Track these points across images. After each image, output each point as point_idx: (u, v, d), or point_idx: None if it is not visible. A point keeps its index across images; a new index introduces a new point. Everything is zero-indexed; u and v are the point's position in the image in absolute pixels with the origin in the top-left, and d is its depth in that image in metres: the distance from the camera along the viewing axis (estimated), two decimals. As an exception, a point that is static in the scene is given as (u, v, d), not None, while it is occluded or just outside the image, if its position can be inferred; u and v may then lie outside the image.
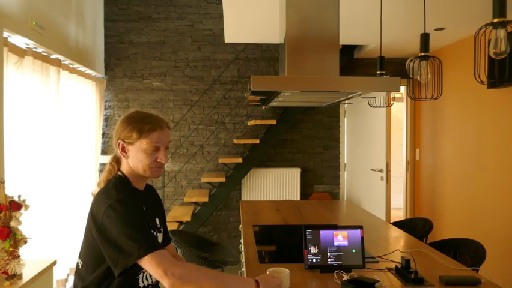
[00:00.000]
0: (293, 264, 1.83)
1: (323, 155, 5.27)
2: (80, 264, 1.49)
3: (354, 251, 1.78)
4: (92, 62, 4.55)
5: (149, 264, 1.32)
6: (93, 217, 1.41)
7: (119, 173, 1.52)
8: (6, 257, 2.19)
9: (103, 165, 4.97)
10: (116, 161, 1.55)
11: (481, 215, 3.87)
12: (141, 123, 1.47)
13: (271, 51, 5.13)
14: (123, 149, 1.48)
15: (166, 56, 5.06)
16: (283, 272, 1.56)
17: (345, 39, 4.29)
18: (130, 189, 1.50)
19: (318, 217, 2.94)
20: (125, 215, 1.35)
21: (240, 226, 2.75)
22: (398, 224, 3.00)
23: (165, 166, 5.02)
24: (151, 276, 1.51)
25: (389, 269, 1.79)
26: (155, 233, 1.56)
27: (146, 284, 1.52)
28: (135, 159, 1.48)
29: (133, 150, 1.47)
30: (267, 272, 1.55)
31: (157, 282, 1.57)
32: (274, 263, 1.86)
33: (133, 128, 1.46)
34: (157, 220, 1.60)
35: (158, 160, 1.48)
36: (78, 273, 1.50)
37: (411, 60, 2.51)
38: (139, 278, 1.49)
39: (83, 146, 4.29)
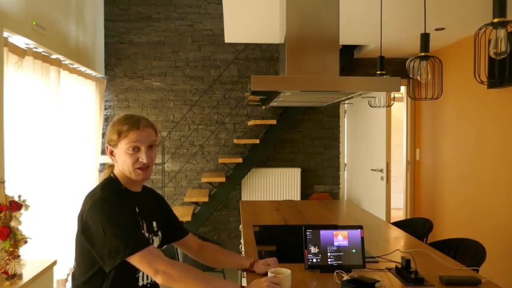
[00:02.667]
0: (293, 264, 1.83)
1: (323, 155, 5.27)
2: (74, 266, 1.50)
3: (354, 251, 1.78)
4: (92, 62, 4.55)
5: (139, 263, 1.34)
6: (79, 217, 1.43)
7: (111, 175, 1.53)
8: (6, 257, 2.19)
9: (103, 165, 4.97)
10: (111, 164, 1.58)
11: (481, 215, 3.87)
12: (120, 125, 1.48)
13: (271, 51, 5.13)
14: (111, 153, 1.51)
15: (166, 56, 5.06)
16: (284, 272, 1.56)
17: (345, 39, 4.29)
18: (119, 190, 1.49)
19: (318, 217, 2.94)
20: (109, 213, 1.36)
21: (240, 226, 2.75)
22: (398, 224, 3.00)
23: (165, 166, 5.01)
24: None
25: (389, 269, 1.79)
26: (150, 235, 1.55)
27: (145, 283, 1.51)
28: (120, 162, 1.49)
29: (118, 153, 1.49)
30: (269, 273, 1.55)
31: None
32: (275, 263, 1.85)
33: (114, 131, 1.49)
34: (154, 223, 1.60)
35: (139, 160, 1.46)
36: (73, 275, 1.51)
37: (411, 60, 2.51)
38: (138, 277, 1.49)
39: (83, 146, 4.29)
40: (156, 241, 1.59)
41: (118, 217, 1.36)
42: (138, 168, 1.47)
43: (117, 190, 1.48)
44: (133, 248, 1.32)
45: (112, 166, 1.56)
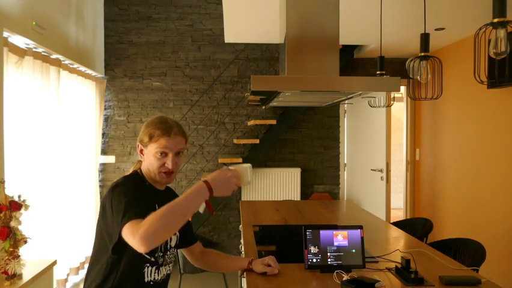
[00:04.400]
0: (293, 264, 1.83)
1: (323, 155, 5.27)
2: (91, 254, 1.54)
3: (354, 251, 1.77)
4: (92, 62, 4.55)
5: (125, 233, 1.28)
6: (101, 203, 1.50)
7: (138, 170, 1.59)
8: (6, 257, 2.19)
9: (103, 165, 4.97)
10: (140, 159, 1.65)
11: (481, 215, 3.88)
12: (153, 128, 1.53)
13: (271, 51, 5.13)
14: (141, 151, 1.57)
15: (166, 56, 5.06)
16: (242, 166, 1.51)
17: (345, 39, 4.29)
18: (142, 184, 1.55)
19: (318, 217, 2.94)
20: (123, 193, 1.40)
21: (240, 226, 2.75)
22: (398, 224, 3.00)
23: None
24: (156, 272, 1.53)
25: (389, 269, 1.79)
26: None
27: (148, 280, 1.52)
28: (147, 162, 1.55)
29: (147, 153, 1.55)
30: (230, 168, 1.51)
31: (162, 280, 1.57)
32: (274, 263, 1.85)
33: (147, 132, 1.53)
34: None
35: (165, 165, 1.52)
36: (89, 262, 1.55)
37: (411, 60, 2.51)
38: (144, 272, 1.50)
39: (83, 146, 4.29)
40: (174, 240, 1.63)
41: (127, 195, 1.39)
42: (163, 172, 1.53)
43: (140, 184, 1.54)
44: (128, 217, 1.30)
45: (140, 162, 1.62)
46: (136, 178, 1.56)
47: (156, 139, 1.50)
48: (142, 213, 1.31)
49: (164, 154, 1.51)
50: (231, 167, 1.51)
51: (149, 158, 1.53)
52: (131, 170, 1.62)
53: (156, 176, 1.54)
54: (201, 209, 1.50)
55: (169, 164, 1.51)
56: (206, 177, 1.41)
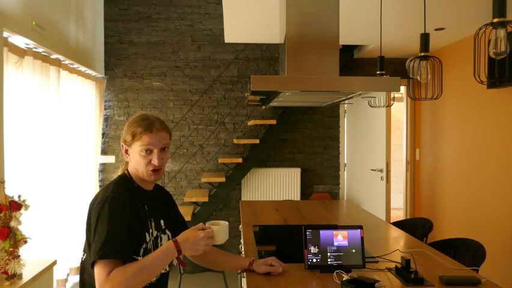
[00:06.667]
0: (293, 264, 1.83)
1: (323, 155, 5.27)
2: (83, 258, 1.51)
3: (354, 251, 1.77)
4: (92, 62, 4.55)
5: (96, 269, 1.32)
6: (90, 206, 1.47)
7: (125, 172, 1.57)
8: (6, 257, 2.19)
9: (103, 165, 4.97)
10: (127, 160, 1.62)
11: (481, 215, 3.88)
12: (135, 127, 1.51)
13: (271, 51, 5.13)
14: (126, 151, 1.54)
15: (166, 56, 5.06)
16: (219, 223, 1.52)
17: (345, 39, 4.29)
18: (131, 188, 1.52)
19: (318, 217, 2.94)
20: (108, 216, 1.37)
21: (240, 226, 2.75)
22: (398, 224, 3.00)
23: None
24: None
25: (389, 269, 1.79)
26: (158, 233, 1.56)
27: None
28: (134, 162, 1.52)
29: (132, 153, 1.52)
30: (206, 224, 1.53)
31: (157, 280, 1.56)
32: (274, 263, 1.85)
33: (129, 132, 1.51)
34: (162, 222, 1.61)
35: (151, 162, 1.49)
36: (82, 266, 1.52)
37: (411, 60, 2.51)
38: None
39: (83, 146, 4.29)
40: (164, 239, 1.61)
41: (113, 223, 1.37)
42: (151, 170, 1.51)
43: (129, 188, 1.51)
44: (102, 254, 1.31)
45: (127, 163, 1.60)
46: (125, 182, 1.53)
47: (139, 137, 1.48)
48: (119, 250, 1.34)
49: (149, 151, 1.49)
50: (207, 224, 1.51)
51: (135, 158, 1.50)
52: (119, 172, 1.59)
53: (144, 175, 1.51)
54: (174, 262, 1.52)
55: (155, 161, 1.49)
56: (178, 237, 1.43)
